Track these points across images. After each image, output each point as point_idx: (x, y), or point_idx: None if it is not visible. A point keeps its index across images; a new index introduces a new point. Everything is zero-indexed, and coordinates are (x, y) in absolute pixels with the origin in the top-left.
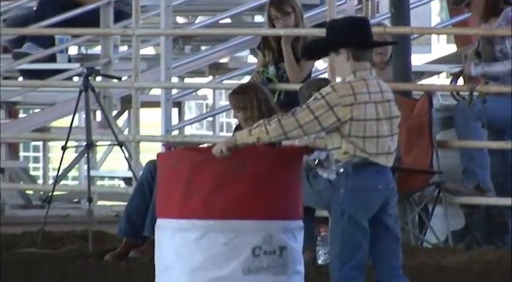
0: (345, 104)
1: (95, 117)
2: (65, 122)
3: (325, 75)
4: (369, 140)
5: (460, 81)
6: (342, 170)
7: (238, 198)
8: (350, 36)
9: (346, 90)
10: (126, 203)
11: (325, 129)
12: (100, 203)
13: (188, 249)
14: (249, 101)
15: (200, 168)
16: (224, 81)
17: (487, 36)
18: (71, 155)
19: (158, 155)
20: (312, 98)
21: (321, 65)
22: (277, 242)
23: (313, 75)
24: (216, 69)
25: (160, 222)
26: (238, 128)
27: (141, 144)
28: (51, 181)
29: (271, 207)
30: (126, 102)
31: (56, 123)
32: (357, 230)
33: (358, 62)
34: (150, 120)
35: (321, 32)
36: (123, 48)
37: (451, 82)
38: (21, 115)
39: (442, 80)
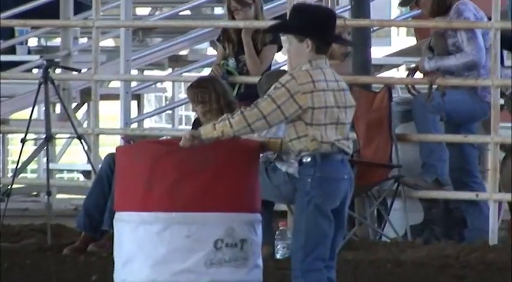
0: (305, 91)
1: (54, 110)
2: (24, 114)
3: (285, 68)
4: (329, 127)
5: (418, 74)
6: (309, 159)
7: (200, 191)
8: (320, 28)
9: (304, 77)
10: (85, 197)
11: (287, 118)
12: (59, 196)
13: (151, 242)
14: (207, 95)
15: (162, 161)
16: (183, 74)
17: (439, 31)
18: (30, 147)
19: (117, 148)
20: (272, 88)
21: (280, 57)
22: (239, 234)
23: (273, 67)
24: (176, 61)
25: (120, 215)
26: (197, 121)
27: (101, 137)
28: (10, 174)
29: (233, 199)
30: (85, 95)
31: (15, 116)
32: (323, 219)
33: (318, 54)
34: (110, 113)
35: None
36: (83, 40)
37: (407, 76)
38: None
39: (401, 73)
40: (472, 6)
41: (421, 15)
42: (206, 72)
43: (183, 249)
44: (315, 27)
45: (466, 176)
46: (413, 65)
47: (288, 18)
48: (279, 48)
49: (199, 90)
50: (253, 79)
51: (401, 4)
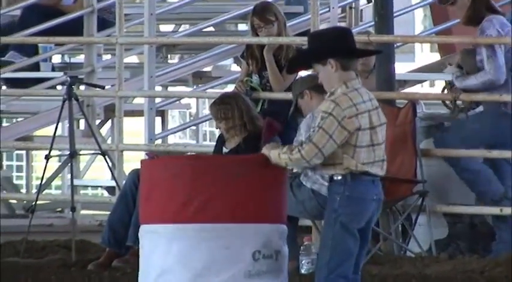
0: (351, 115)
1: (78, 126)
2: (48, 131)
3: None
4: (366, 149)
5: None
6: (339, 178)
7: (238, 203)
8: (338, 45)
9: (346, 102)
10: (109, 213)
11: (339, 146)
12: (83, 212)
13: (189, 254)
14: (230, 111)
15: (201, 175)
16: (207, 90)
17: (468, 48)
18: (54, 164)
19: (143, 162)
20: (319, 119)
21: (304, 72)
22: (274, 246)
23: None
24: (199, 77)
25: (153, 227)
26: (221, 137)
27: (125, 153)
28: (34, 190)
29: (269, 211)
30: (109, 111)
31: (39, 132)
32: (349, 237)
33: (346, 72)
34: (134, 129)
35: (304, 41)
36: (107, 56)
37: (442, 91)
38: (4, 124)
39: (425, 88)
40: (498, 22)
41: (445, 31)
42: (230, 88)
43: (222, 260)
44: (332, 47)
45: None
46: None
47: (307, 47)
48: None
49: (222, 107)
50: (277, 95)
51: (440, 1)
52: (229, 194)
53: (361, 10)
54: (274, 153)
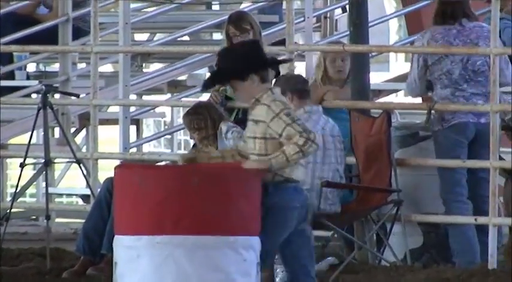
0: None
1: (53, 135)
2: (23, 139)
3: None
4: None
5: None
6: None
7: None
8: (257, 60)
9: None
10: (84, 221)
11: None
12: (58, 220)
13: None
14: (203, 121)
15: (168, 185)
16: (182, 99)
17: None
18: (29, 172)
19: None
20: (286, 116)
21: None
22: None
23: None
24: (174, 86)
25: (122, 239)
26: (195, 146)
27: (99, 161)
28: (9, 198)
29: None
30: (84, 120)
31: (14, 140)
32: None
33: (265, 83)
34: (108, 138)
35: (279, 50)
36: (82, 65)
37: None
38: None
39: (400, 98)
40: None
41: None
42: (205, 97)
43: (242, 272)
44: (252, 62)
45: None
46: None
47: (218, 65)
48: (277, 74)
49: (195, 117)
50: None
51: None
52: (195, 205)
53: (336, 20)
54: (262, 162)
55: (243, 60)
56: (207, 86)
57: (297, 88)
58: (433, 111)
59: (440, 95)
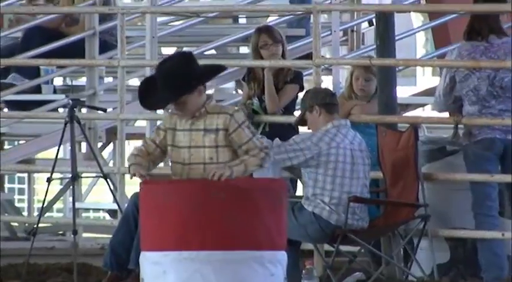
0: None
1: (80, 149)
2: (50, 153)
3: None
4: None
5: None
6: None
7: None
8: (200, 70)
9: None
10: (111, 236)
11: None
12: (85, 235)
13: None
14: None
15: (195, 201)
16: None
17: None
18: (56, 187)
19: (141, 185)
20: (248, 129)
21: None
22: None
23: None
24: None
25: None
26: None
27: (126, 176)
28: (36, 213)
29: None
30: (111, 134)
31: (41, 155)
32: None
33: (205, 93)
34: None
35: (306, 63)
36: (109, 79)
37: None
38: (6, 146)
39: (427, 112)
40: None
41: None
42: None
43: None
44: (202, 73)
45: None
46: None
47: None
48: (301, 89)
49: None
50: (279, 118)
51: None
52: (225, 220)
53: (363, 33)
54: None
55: (190, 73)
56: (151, 106)
57: (326, 102)
58: (460, 126)
59: (468, 112)
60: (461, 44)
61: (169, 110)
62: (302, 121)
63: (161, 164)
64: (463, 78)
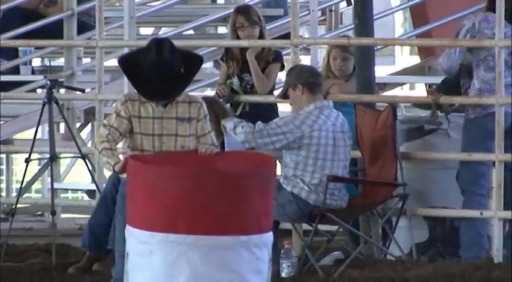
0: None
1: (58, 130)
2: (28, 134)
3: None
4: None
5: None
6: None
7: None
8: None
9: None
10: (89, 216)
11: None
12: (63, 215)
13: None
14: None
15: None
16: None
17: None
18: (34, 167)
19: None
20: (209, 122)
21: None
22: None
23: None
24: None
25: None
26: None
27: None
28: (14, 194)
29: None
30: (89, 115)
31: (19, 136)
32: None
33: None
34: None
35: (284, 43)
36: (87, 60)
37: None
38: None
39: (405, 91)
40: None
41: (425, 33)
42: (210, 92)
43: (254, 271)
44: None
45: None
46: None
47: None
48: (282, 67)
49: None
50: (258, 98)
51: None
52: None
53: (341, 13)
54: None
55: (182, 60)
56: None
57: (309, 82)
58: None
59: (483, 78)
60: (489, 13)
61: (125, 97)
62: (285, 96)
63: None
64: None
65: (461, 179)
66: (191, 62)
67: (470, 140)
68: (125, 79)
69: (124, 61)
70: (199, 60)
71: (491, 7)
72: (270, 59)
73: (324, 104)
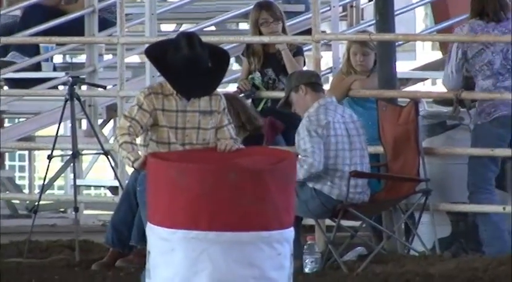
0: None
1: (80, 126)
2: (50, 131)
3: None
4: None
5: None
6: None
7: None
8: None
9: None
10: (112, 212)
11: None
12: (86, 212)
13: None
14: None
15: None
16: None
17: None
18: (56, 164)
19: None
20: (228, 115)
21: None
22: None
23: None
24: None
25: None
26: None
27: None
28: (37, 190)
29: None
30: (111, 111)
31: (41, 132)
32: None
33: None
34: None
35: (305, 39)
36: (108, 56)
37: None
38: (6, 124)
39: (427, 86)
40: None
41: (446, 29)
42: (231, 87)
43: (276, 267)
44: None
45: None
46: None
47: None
48: (304, 61)
49: None
50: (279, 94)
51: None
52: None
53: (362, 9)
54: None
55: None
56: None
57: (311, 81)
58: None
59: (482, 87)
60: (472, 21)
61: (149, 90)
62: (286, 104)
63: None
64: (476, 54)
65: (468, 181)
66: (218, 57)
67: (478, 145)
68: (147, 76)
69: (152, 54)
70: (226, 54)
71: (476, 13)
72: (292, 53)
73: (327, 101)
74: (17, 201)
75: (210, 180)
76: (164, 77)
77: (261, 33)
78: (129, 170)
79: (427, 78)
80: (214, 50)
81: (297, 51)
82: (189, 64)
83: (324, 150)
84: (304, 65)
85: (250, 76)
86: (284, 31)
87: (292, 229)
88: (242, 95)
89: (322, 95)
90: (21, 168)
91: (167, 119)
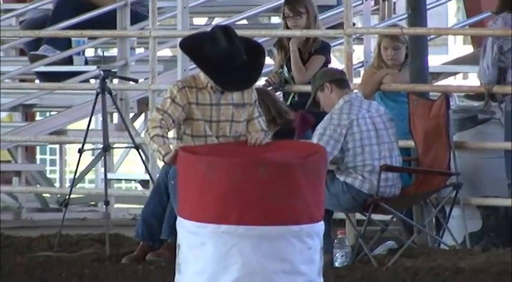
0: None
1: (111, 120)
2: (81, 124)
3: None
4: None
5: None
6: None
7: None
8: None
9: None
10: (143, 206)
11: None
12: (117, 206)
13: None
14: None
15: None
16: None
17: None
18: (87, 157)
19: (179, 153)
20: (259, 107)
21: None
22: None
23: None
24: None
25: (187, 224)
26: None
27: None
28: (68, 184)
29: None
30: (143, 105)
31: (72, 126)
32: None
33: None
34: None
35: (337, 33)
36: (140, 50)
37: None
38: (38, 118)
39: (458, 80)
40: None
41: (478, 23)
42: (262, 80)
43: (306, 261)
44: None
45: None
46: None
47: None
48: (327, 61)
49: None
50: (308, 88)
51: None
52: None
53: (394, 2)
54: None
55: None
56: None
57: (336, 78)
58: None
59: None
60: (506, 13)
61: (182, 83)
62: (314, 104)
63: None
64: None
65: (506, 171)
66: (252, 50)
67: (509, 132)
68: (179, 69)
69: (187, 46)
70: (260, 47)
71: (507, 6)
72: (313, 49)
73: (352, 97)
74: (48, 195)
75: (240, 174)
76: (202, 71)
77: (287, 28)
78: (160, 164)
79: (459, 72)
80: (249, 43)
81: (319, 49)
82: (228, 58)
83: (351, 148)
84: (330, 63)
85: (280, 70)
86: (310, 26)
87: (322, 223)
88: (270, 88)
89: (347, 90)
90: (52, 162)
91: (202, 112)
